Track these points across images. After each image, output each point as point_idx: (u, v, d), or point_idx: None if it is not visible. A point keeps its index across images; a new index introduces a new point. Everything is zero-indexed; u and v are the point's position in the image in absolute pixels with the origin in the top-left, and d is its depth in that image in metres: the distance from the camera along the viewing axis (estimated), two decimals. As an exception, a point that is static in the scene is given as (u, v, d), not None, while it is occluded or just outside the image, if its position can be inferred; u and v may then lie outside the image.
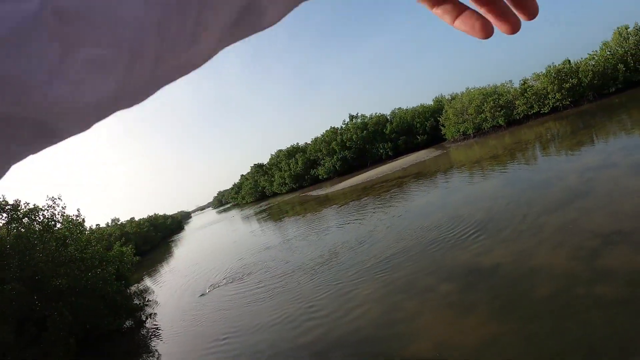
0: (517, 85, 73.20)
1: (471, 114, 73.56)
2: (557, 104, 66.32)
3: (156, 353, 20.00)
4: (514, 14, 0.69)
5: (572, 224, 15.69)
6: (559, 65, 67.48)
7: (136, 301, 30.19)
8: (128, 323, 27.37)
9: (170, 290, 33.32)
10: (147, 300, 31.06)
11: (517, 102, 69.23)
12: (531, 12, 0.69)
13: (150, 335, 22.75)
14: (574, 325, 9.54)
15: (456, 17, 0.71)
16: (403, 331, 12.35)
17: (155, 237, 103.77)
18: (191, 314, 23.22)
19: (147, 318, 26.59)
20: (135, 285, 36.65)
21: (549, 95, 66.31)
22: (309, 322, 15.57)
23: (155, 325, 24.40)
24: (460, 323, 11.62)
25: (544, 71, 68.75)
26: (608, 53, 65.35)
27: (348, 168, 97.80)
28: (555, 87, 65.31)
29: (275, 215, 66.21)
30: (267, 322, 17.10)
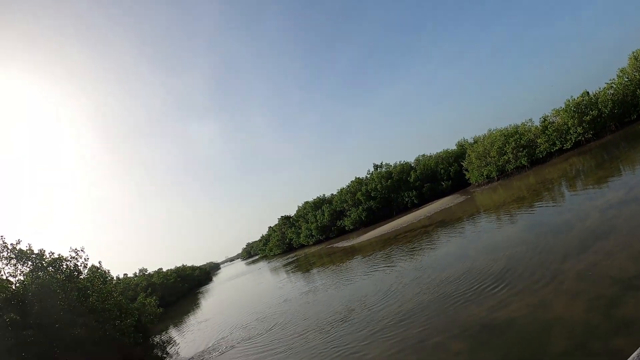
0: (537, 123, 72.23)
1: (494, 157, 72.84)
2: (579, 138, 65.04)
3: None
4: None
5: (591, 270, 15.06)
6: (577, 98, 66.55)
7: (157, 352, 30.31)
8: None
9: (191, 344, 33.21)
10: (168, 352, 31.15)
11: (538, 141, 68.10)
12: None
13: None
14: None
15: None
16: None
17: (181, 288, 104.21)
18: None
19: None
20: (159, 335, 36.89)
21: (570, 130, 65.10)
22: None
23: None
24: None
25: (563, 106, 67.67)
26: (626, 80, 64.37)
27: (374, 218, 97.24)
28: (576, 121, 64.19)
29: (301, 268, 66.31)
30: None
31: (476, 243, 28.73)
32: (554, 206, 30.63)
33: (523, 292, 15.74)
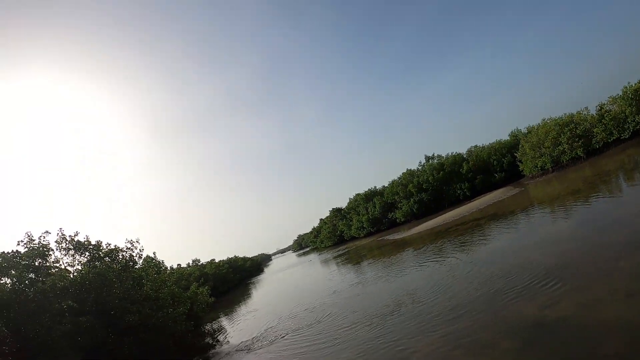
0: (593, 111, 68.53)
1: (548, 147, 69.64)
2: (638, 127, 60.75)
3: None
4: None
5: None
6: (635, 84, 61.87)
7: (208, 340, 31.25)
8: (198, 358, 28.37)
9: (241, 332, 33.92)
10: (218, 340, 32.08)
11: (595, 130, 64.59)
12: None
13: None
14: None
15: None
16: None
17: (233, 278, 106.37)
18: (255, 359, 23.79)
19: (213, 358, 27.43)
20: (210, 323, 37.96)
21: (629, 119, 61.01)
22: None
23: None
24: None
25: (620, 93, 63.47)
26: (687, 61, 60.02)
27: (425, 210, 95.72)
28: (634, 109, 59.96)
29: (351, 260, 66.16)
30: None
31: (528, 237, 27.66)
32: (610, 200, 29.01)
33: (575, 290, 14.99)
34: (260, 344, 26.60)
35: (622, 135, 62.33)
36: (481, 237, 34.81)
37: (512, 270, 20.76)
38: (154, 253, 32.92)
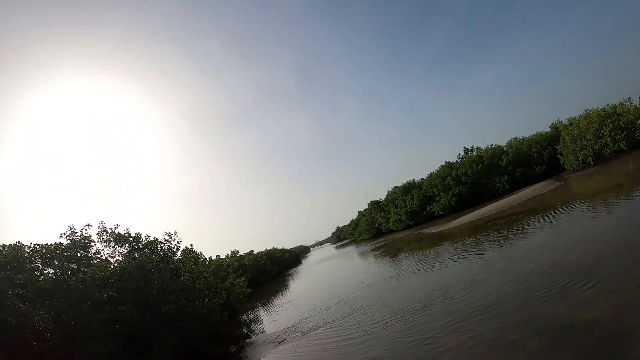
0: (637, 102, 66.09)
1: (590, 140, 67.29)
2: None
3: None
4: None
5: None
6: None
7: (243, 330, 32.02)
8: (231, 349, 29.18)
9: (275, 323, 34.59)
10: (252, 330, 32.84)
11: (638, 122, 61.91)
12: None
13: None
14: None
15: None
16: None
17: (271, 270, 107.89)
18: (288, 350, 24.33)
19: (247, 347, 28.23)
20: (247, 313, 38.76)
21: None
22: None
23: (254, 355, 25.79)
24: None
25: None
26: None
27: (464, 204, 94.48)
28: None
29: (389, 252, 66.11)
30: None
31: (567, 234, 26.92)
32: None
33: (610, 292, 14.50)
34: (292, 336, 27.12)
35: (632, 140, 60.23)
36: (519, 232, 34.14)
37: (548, 268, 20.35)
38: (191, 245, 33.86)
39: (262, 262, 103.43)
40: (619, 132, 63.40)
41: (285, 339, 26.82)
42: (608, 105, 70.67)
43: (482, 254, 30.85)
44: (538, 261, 22.44)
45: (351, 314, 27.18)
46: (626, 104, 66.81)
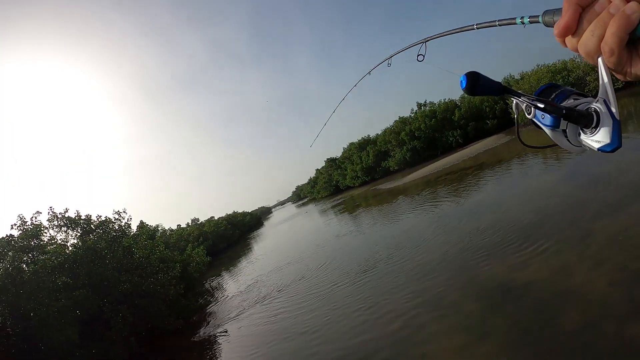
0: None
1: None
2: None
3: (212, 350, 21.64)
4: None
5: (622, 234, 13.81)
6: None
7: (205, 298, 32.24)
8: (193, 319, 29.35)
9: (238, 289, 34.91)
10: (215, 297, 33.07)
11: (588, 79, 63.32)
12: None
13: (209, 335, 24.37)
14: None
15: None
16: (412, 353, 12.38)
17: (232, 235, 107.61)
18: (245, 318, 24.90)
19: (208, 317, 28.44)
20: (208, 281, 38.99)
21: None
22: (319, 339, 16.70)
23: (215, 324, 26.08)
24: (470, 352, 11.11)
25: None
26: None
27: (418, 158, 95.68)
28: None
29: (347, 209, 68.07)
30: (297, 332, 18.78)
31: (512, 190, 28.23)
32: (598, 152, 28.65)
33: (548, 253, 14.90)
34: (250, 302, 27.84)
35: (615, 84, 61.31)
36: (469, 187, 35.58)
37: (491, 225, 21.15)
38: (140, 221, 33.67)
39: (223, 227, 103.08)
40: (570, 87, 64.46)
41: (243, 308, 27.24)
42: (559, 61, 72.19)
43: (432, 210, 32.02)
44: (482, 219, 23.31)
45: (301, 279, 27.97)
46: (576, 60, 68.00)
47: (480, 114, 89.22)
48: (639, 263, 11.67)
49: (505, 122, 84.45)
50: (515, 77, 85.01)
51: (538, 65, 76.00)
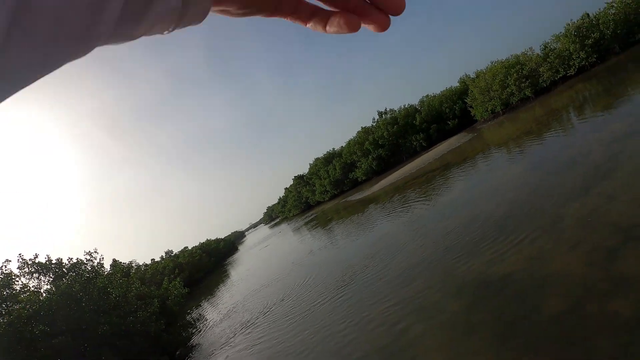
0: (538, 51, 70.19)
1: (497, 90, 71.47)
2: (583, 63, 62.82)
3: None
4: (379, 14, 0.71)
5: (591, 216, 14.19)
6: (577, 21, 64.00)
7: (188, 331, 31.42)
8: (177, 353, 28.62)
9: (220, 317, 34.36)
10: (196, 330, 32.33)
11: (541, 70, 66.30)
12: (395, 9, 0.70)
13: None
14: (579, 356, 8.56)
15: (325, 24, 0.74)
16: (403, 358, 12.33)
17: (208, 263, 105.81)
18: (230, 348, 24.48)
19: (193, 350, 27.83)
20: (188, 313, 38.09)
21: (573, 56, 62.92)
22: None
23: (200, 357, 25.54)
24: (458, 350, 11.17)
25: (563, 31, 65.41)
26: (627, -3, 60.63)
27: (385, 166, 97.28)
28: (577, 46, 61.92)
29: (320, 224, 68.16)
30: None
31: (481, 185, 28.78)
32: (560, 139, 29.53)
33: (522, 243, 15.21)
34: (231, 331, 27.38)
35: (567, 72, 64.44)
36: (438, 188, 36.18)
37: (463, 223, 21.42)
38: (113, 260, 32.86)
39: (198, 257, 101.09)
40: (524, 80, 67.28)
41: (228, 337, 26.81)
42: (511, 55, 74.06)
43: (404, 215, 32.42)
44: (453, 218, 23.58)
45: (282, 299, 27.69)
46: (528, 53, 70.13)
47: (440, 116, 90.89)
48: (611, 241, 11.96)
49: (466, 121, 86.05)
50: (472, 76, 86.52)
51: (491, 62, 78.57)
